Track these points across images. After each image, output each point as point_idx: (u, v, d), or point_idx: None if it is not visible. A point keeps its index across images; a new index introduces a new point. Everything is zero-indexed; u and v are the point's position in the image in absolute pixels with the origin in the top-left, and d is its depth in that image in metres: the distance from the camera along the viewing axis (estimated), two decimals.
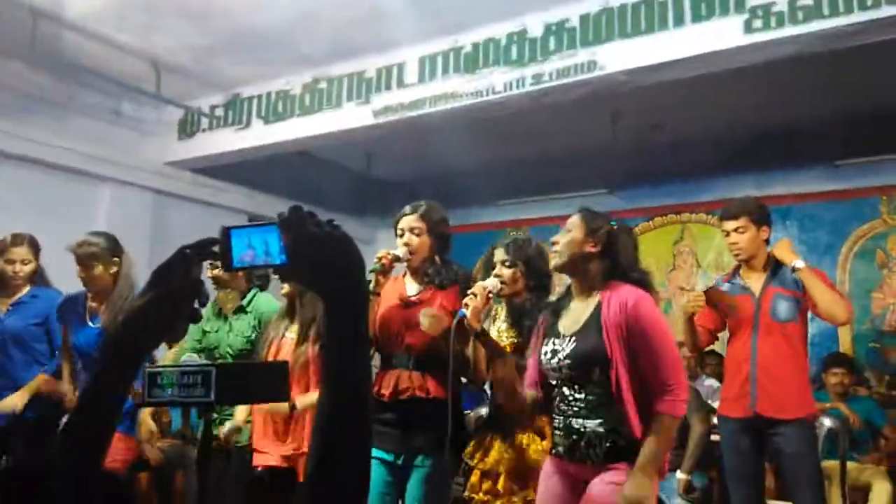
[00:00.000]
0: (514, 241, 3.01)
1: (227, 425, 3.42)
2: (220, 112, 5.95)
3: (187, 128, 6.14)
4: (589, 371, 2.35)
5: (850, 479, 4.11)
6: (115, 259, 3.57)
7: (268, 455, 3.25)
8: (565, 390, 2.42)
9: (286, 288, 3.39)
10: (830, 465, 4.03)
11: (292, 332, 3.35)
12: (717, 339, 3.72)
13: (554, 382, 2.47)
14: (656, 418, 2.25)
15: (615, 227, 2.48)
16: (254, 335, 3.68)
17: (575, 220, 2.50)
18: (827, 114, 5.42)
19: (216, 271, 3.73)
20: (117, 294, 3.50)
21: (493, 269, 3.13)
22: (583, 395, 2.36)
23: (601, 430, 2.30)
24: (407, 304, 2.90)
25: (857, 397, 4.97)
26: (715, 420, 3.82)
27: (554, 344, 2.45)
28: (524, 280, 2.96)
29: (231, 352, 3.68)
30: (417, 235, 2.93)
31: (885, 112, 5.28)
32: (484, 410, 5.28)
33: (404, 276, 3.04)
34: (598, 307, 2.38)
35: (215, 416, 2.21)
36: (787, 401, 3.34)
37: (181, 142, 6.19)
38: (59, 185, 5.66)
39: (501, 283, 2.80)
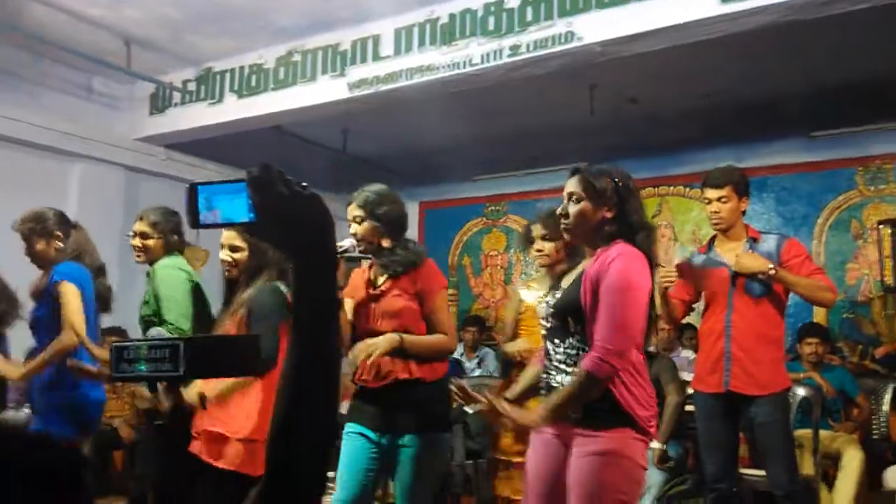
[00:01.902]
0: (549, 214, 3.04)
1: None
2: (192, 87, 5.84)
3: (159, 103, 6.05)
4: (565, 321, 2.29)
5: (822, 446, 4.15)
6: (58, 234, 3.41)
7: None
8: (548, 345, 2.37)
9: (232, 272, 2.97)
10: (803, 433, 4.07)
11: None
12: (692, 310, 3.72)
13: (544, 334, 2.42)
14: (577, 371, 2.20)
15: (619, 183, 2.31)
16: (151, 298, 3.33)
17: (576, 186, 2.32)
18: (803, 85, 5.42)
19: (135, 240, 3.44)
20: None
21: (533, 243, 3.36)
22: (562, 349, 2.30)
23: None
24: (372, 296, 2.86)
25: (831, 367, 5.02)
26: (690, 391, 3.84)
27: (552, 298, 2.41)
28: (564, 251, 3.11)
29: (138, 321, 3.40)
30: (359, 223, 2.85)
31: (860, 83, 5.29)
32: (464, 382, 5.29)
33: (371, 266, 2.94)
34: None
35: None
36: (761, 378, 3.34)
37: (153, 117, 6.10)
38: (29, 162, 5.57)
39: (544, 255, 3.27)
